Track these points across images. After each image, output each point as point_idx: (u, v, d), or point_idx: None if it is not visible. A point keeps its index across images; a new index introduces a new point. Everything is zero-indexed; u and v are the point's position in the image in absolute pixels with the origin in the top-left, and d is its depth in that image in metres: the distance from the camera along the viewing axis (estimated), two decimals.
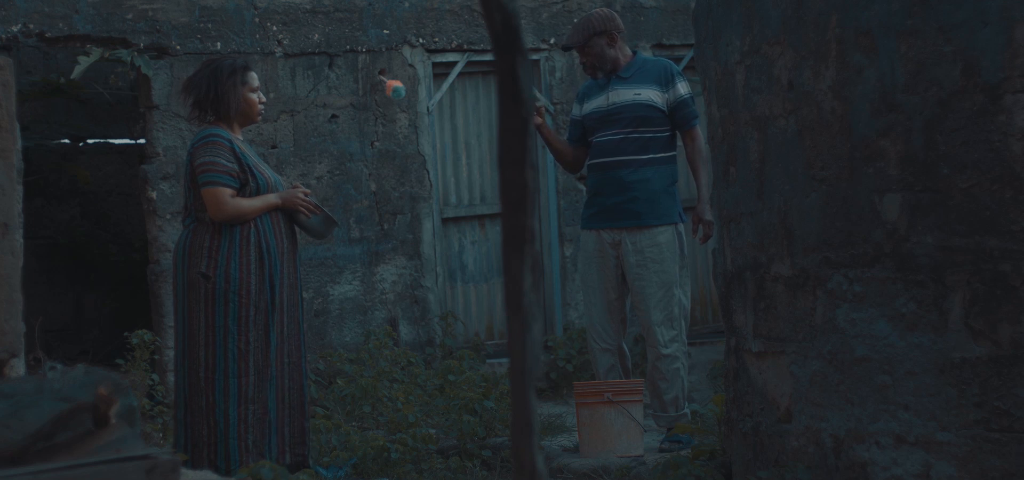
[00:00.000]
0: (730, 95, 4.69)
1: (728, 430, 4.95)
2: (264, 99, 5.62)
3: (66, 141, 10.67)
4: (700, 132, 6.37)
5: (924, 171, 3.84)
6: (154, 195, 8.11)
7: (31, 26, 7.88)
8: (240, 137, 5.54)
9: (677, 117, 6.32)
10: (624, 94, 6.30)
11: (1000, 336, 3.71)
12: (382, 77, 8.66)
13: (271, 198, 5.46)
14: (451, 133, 9.13)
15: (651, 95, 6.28)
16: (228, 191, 5.36)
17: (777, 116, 4.33)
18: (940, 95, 3.80)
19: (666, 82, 6.32)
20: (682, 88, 6.33)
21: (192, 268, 5.35)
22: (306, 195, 5.54)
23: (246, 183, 5.40)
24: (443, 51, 8.94)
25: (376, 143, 8.68)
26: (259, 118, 5.67)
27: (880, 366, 3.96)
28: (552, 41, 9.10)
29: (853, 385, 4.04)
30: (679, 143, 6.45)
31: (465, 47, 8.96)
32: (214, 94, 5.50)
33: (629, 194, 6.24)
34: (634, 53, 6.46)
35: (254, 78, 5.62)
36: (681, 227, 6.37)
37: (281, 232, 5.49)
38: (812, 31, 4.13)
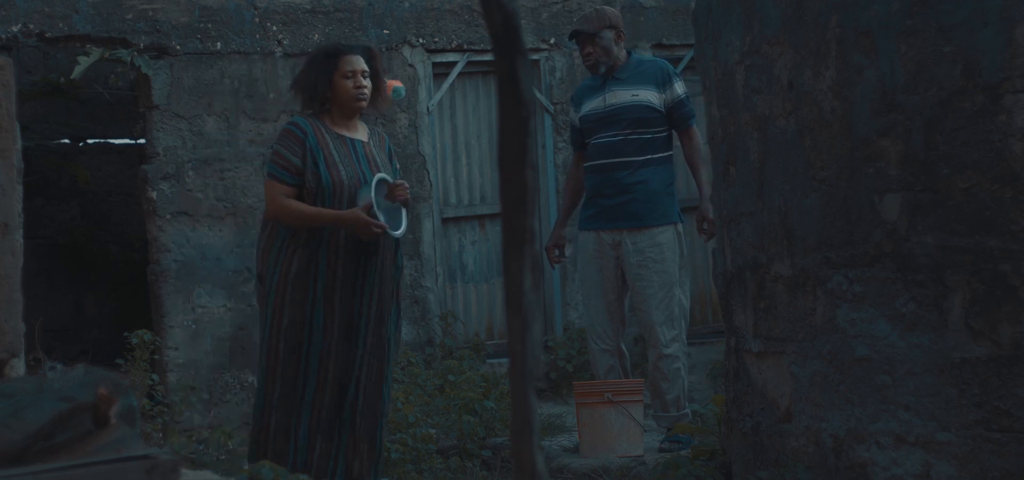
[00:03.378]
0: (730, 95, 4.69)
1: (728, 430, 4.95)
2: (364, 83, 5.12)
3: (66, 141, 10.67)
4: (697, 131, 6.38)
5: (924, 171, 3.84)
6: (154, 195, 8.11)
7: (31, 26, 7.88)
8: (340, 130, 5.11)
9: (675, 117, 6.33)
10: (621, 95, 6.30)
11: (1000, 336, 3.71)
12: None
13: (338, 215, 4.97)
14: (451, 133, 9.13)
15: (649, 96, 6.28)
16: (282, 187, 5.00)
17: (777, 116, 4.33)
18: (940, 95, 3.80)
19: (663, 83, 6.32)
20: (679, 88, 6.34)
21: (257, 264, 5.14)
22: (374, 229, 4.97)
23: (306, 179, 5.01)
24: (443, 51, 8.94)
25: None
26: (359, 104, 5.14)
27: (880, 366, 3.96)
28: (552, 41, 9.10)
29: (853, 385, 4.04)
30: (675, 143, 6.45)
31: (465, 47, 8.96)
32: (306, 83, 5.14)
33: (629, 195, 6.24)
34: (629, 54, 6.46)
35: (351, 62, 5.13)
36: (680, 227, 6.37)
37: (341, 246, 5.04)
38: (812, 31, 4.13)
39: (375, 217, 4.94)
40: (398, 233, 5.08)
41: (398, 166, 5.34)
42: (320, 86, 5.09)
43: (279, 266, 4.99)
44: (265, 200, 5.07)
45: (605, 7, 6.60)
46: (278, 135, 5.12)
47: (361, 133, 5.21)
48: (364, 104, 5.14)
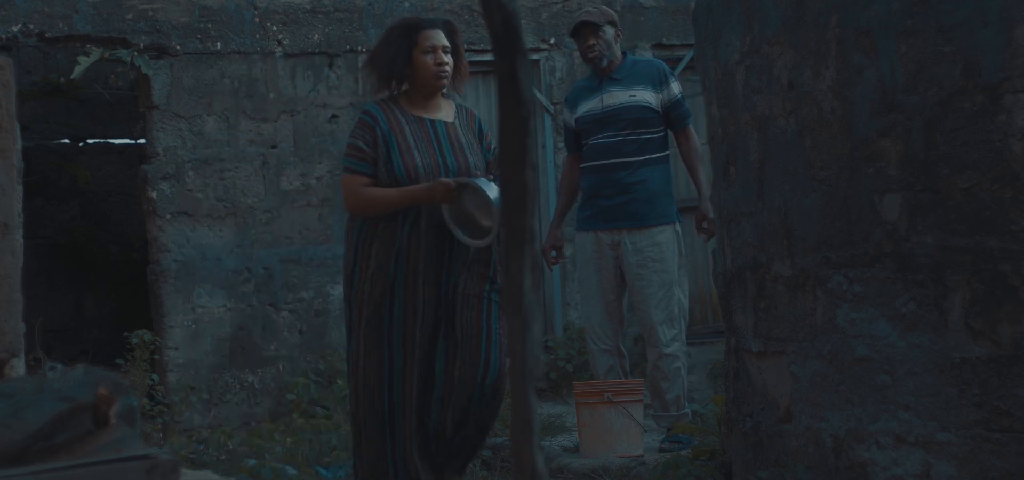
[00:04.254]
0: (730, 95, 4.69)
1: (728, 430, 4.95)
2: (445, 59, 4.70)
3: (66, 141, 10.67)
4: (694, 131, 6.39)
5: (924, 171, 3.84)
6: (154, 195, 8.11)
7: (31, 26, 7.88)
8: (418, 111, 4.74)
9: (672, 117, 6.33)
10: (618, 96, 6.29)
11: (1000, 336, 3.71)
12: None
13: (414, 190, 4.61)
14: None
15: (646, 96, 6.28)
16: (360, 179, 4.64)
17: (777, 116, 4.33)
18: (940, 95, 3.80)
19: (660, 83, 6.32)
20: (676, 88, 6.35)
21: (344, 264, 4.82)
22: (451, 186, 4.58)
23: (379, 170, 4.65)
24: None
25: None
26: (441, 82, 4.71)
27: (880, 366, 3.96)
28: (552, 41, 9.10)
29: (853, 385, 4.05)
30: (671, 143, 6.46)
31: (465, 47, 8.96)
32: (382, 61, 4.71)
33: (628, 195, 6.24)
34: (625, 55, 6.46)
35: (431, 36, 4.71)
36: (678, 227, 6.37)
37: (423, 233, 4.67)
38: (812, 31, 4.13)
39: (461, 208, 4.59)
40: (481, 242, 4.64)
41: (492, 144, 4.87)
42: (397, 64, 4.67)
43: (358, 262, 4.66)
44: (344, 196, 4.74)
45: (601, 5, 6.62)
46: (353, 127, 4.78)
47: (445, 113, 4.78)
48: (445, 82, 4.71)
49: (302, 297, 8.39)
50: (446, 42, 4.75)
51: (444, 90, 4.88)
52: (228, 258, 8.23)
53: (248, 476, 5.78)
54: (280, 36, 8.44)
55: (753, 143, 4.52)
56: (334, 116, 8.58)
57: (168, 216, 8.12)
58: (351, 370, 4.68)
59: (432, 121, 4.74)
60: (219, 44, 8.29)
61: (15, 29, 7.84)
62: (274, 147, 8.42)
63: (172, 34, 8.16)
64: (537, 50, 9.01)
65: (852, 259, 4.02)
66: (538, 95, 9.07)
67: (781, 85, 4.30)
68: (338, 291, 8.49)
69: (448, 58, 4.74)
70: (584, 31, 6.35)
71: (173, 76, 8.17)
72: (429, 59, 4.69)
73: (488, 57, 8.89)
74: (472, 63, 9.00)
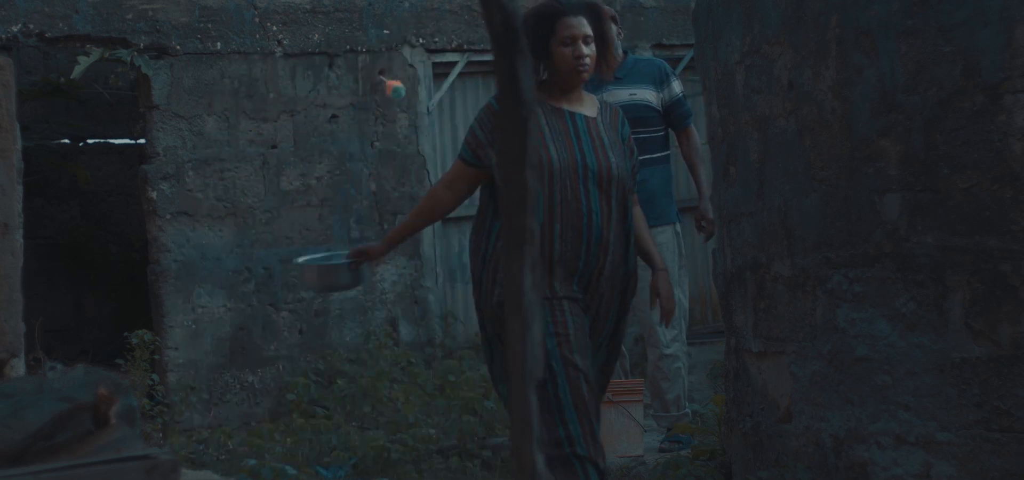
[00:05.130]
0: (730, 95, 4.69)
1: (728, 430, 4.95)
2: (585, 51, 4.22)
3: (66, 141, 10.67)
4: (695, 130, 6.37)
5: (924, 171, 3.84)
6: (154, 195, 8.11)
7: (31, 26, 7.88)
8: (558, 102, 4.27)
9: (673, 116, 6.32)
10: (619, 95, 6.28)
11: (1000, 336, 3.71)
12: (382, 77, 8.66)
13: (403, 229, 4.55)
14: (451, 133, 9.13)
15: (647, 95, 6.27)
16: (458, 166, 4.31)
17: (777, 116, 4.33)
18: (940, 95, 3.80)
19: (661, 81, 6.31)
20: (676, 87, 6.33)
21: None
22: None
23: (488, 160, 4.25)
24: (443, 51, 8.94)
25: (376, 143, 8.68)
26: (581, 75, 4.24)
27: (880, 366, 3.96)
28: None
29: (853, 385, 4.04)
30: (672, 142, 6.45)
31: (465, 47, 8.96)
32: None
33: None
34: (626, 53, 6.44)
35: (570, 25, 4.24)
36: (678, 227, 6.37)
37: (560, 248, 4.19)
38: (812, 31, 4.13)
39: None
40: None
41: (635, 151, 4.42)
42: (533, 54, 4.15)
43: (486, 269, 4.22)
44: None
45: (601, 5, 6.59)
46: (479, 111, 4.37)
47: (587, 106, 4.33)
48: (586, 75, 4.25)
49: (302, 297, 8.40)
50: (588, 30, 4.26)
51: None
52: (228, 258, 8.23)
53: (248, 476, 5.78)
54: (280, 36, 8.44)
55: (753, 143, 4.52)
56: (334, 116, 8.58)
57: (168, 216, 8.12)
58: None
59: (572, 114, 4.27)
60: (219, 44, 8.29)
61: (15, 29, 7.84)
62: (274, 147, 8.42)
63: (172, 34, 8.16)
64: None
65: (852, 259, 4.02)
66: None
67: (781, 85, 4.30)
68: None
69: (589, 48, 4.24)
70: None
71: (173, 76, 8.17)
72: (568, 51, 4.21)
73: (488, 57, 8.89)
74: (472, 63, 9.05)
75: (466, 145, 4.28)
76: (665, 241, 6.27)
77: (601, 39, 4.31)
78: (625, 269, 4.28)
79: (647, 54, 8.73)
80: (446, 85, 9.00)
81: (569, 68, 4.22)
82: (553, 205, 4.14)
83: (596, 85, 6.37)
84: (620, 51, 6.40)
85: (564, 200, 4.14)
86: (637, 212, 4.41)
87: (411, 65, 8.80)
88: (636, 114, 6.27)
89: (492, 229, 4.22)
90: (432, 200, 4.41)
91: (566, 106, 4.28)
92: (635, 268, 4.33)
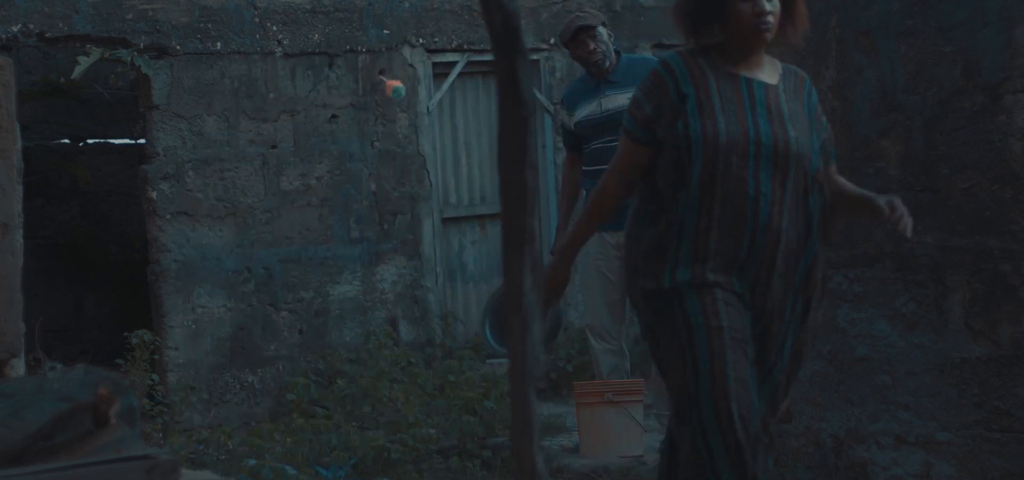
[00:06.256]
0: None
1: None
2: (767, 8, 3.58)
3: (66, 141, 10.67)
4: None
5: (924, 171, 3.83)
6: (154, 195, 8.11)
7: (31, 26, 7.88)
8: (735, 68, 3.65)
9: None
10: (617, 99, 6.27)
11: (1000, 336, 3.70)
12: (382, 77, 8.66)
13: (577, 230, 3.88)
14: (451, 133, 9.13)
15: None
16: (628, 144, 3.75)
17: None
18: (940, 95, 3.80)
19: None
20: None
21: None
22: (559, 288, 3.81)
23: (661, 133, 3.65)
24: (443, 51, 8.94)
25: (376, 143, 8.68)
26: (762, 35, 3.60)
27: (880, 366, 3.96)
28: (552, 41, 9.10)
29: (853, 385, 4.04)
30: None
31: (465, 47, 8.96)
32: (688, 8, 3.68)
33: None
34: (618, 54, 6.42)
35: None
36: None
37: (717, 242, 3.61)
38: (812, 31, 4.13)
39: None
40: None
41: (825, 121, 3.72)
42: (704, 13, 3.65)
43: (639, 256, 3.72)
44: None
45: (584, 7, 6.59)
46: (644, 79, 3.81)
47: (767, 72, 3.70)
48: (769, 35, 3.63)
49: (302, 297, 8.39)
50: None
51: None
52: (228, 258, 8.23)
53: (248, 476, 5.78)
54: (280, 36, 8.44)
55: None
56: (334, 116, 8.57)
57: (168, 216, 8.12)
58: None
59: (748, 80, 3.65)
60: (219, 44, 8.28)
61: (15, 29, 7.84)
62: (274, 147, 8.42)
63: (172, 34, 8.16)
64: (537, 50, 9.01)
65: (852, 259, 4.02)
66: (538, 95, 9.07)
67: None
68: (338, 291, 8.49)
69: (772, 4, 3.63)
70: (582, 35, 6.28)
71: (173, 76, 8.17)
72: (747, 7, 3.59)
73: (488, 57, 8.89)
74: (472, 63, 9.05)
75: (633, 120, 3.72)
76: None
77: None
78: (805, 264, 3.60)
79: (647, 54, 8.73)
80: (446, 85, 9.00)
81: (748, 27, 3.58)
82: (712, 185, 3.56)
83: (593, 89, 6.36)
84: (614, 52, 6.38)
85: (726, 180, 3.56)
86: (840, 180, 3.72)
87: (411, 65, 8.80)
88: None
89: (646, 214, 3.73)
90: (602, 193, 3.82)
91: (743, 72, 3.65)
92: (821, 262, 3.61)
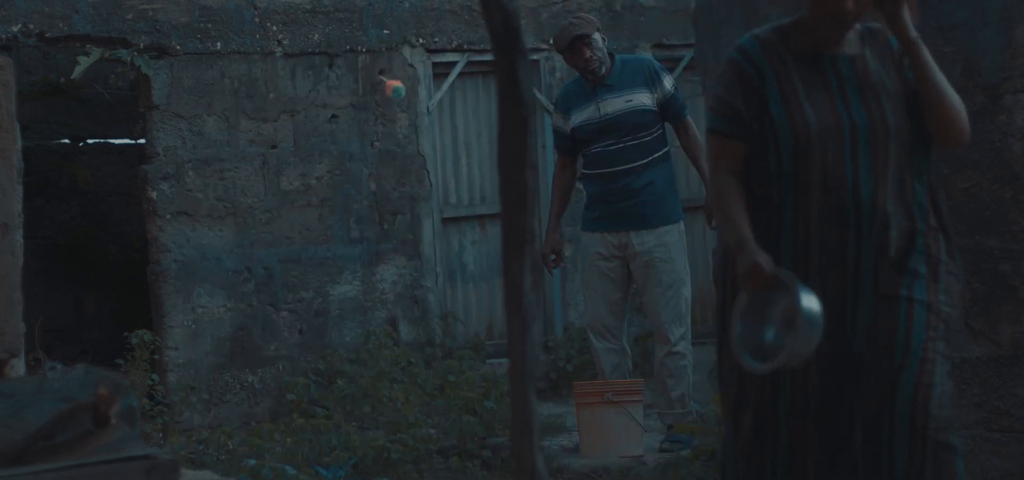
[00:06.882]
0: None
1: None
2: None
3: (66, 141, 10.67)
4: (692, 122, 6.38)
5: None
6: (154, 195, 8.11)
7: (31, 26, 7.88)
8: (816, 47, 3.30)
9: (669, 112, 6.32)
10: (615, 102, 6.26)
11: (1000, 336, 3.71)
12: (382, 77, 8.66)
13: (742, 234, 3.25)
14: (451, 133, 9.13)
15: (642, 98, 6.26)
16: (721, 142, 3.36)
17: None
18: None
19: (652, 81, 6.30)
20: (668, 83, 6.33)
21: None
22: (765, 274, 3.20)
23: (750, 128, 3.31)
24: (443, 51, 8.93)
25: (376, 143, 8.68)
26: (848, 10, 3.22)
27: None
28: (552, 41, 9.10)
29: None
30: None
31: (465, 47, 8.96)
32: None
33: (636, 199, 6.22)
34: (612, 56, 6.42)
35: None
36: (682, 225, 6.39)
37: (813, 241, 3.28)
38: None
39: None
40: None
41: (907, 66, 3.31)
42: None
43: (728, 266, 3.36)
44: (708, 159, 3.53)
45: (580, 14, 6.58)
46: (722, 69, 3.46)
47: (850, 44, 3.32)
48: (851, 8, 3.22)
49: (302, 297, 8.40)
50: None
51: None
52: (228, 258, 8.23)
53: (248, 476, 5.78)
54: (280, 36, 8.44)
55: None
56: (334, 116, 8.58)
57: (168, 216, 8.12)
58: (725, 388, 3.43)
59: (832, 58, 3.30)
60: (219, 44, 8.29)
61: (15, 29, 7.84)
62: (274, 147, 8.42)
63: (172, 34, 8.16)
64: (537, 50, 9.01)
65: None
66: (538, 95, 9.07)
67: None
68: (338, 291, 8.49)
69: None
70: (578, 45, 6.26)
71: (173, 76, 8.17)
72: None
73: (488, 57, 8.89)
74: (472, 63, 9.05)
75: (717, 116, 3.40)
76: (673, 240, 6.28)
77: None
78: (920, 246, 3.25)
79: (647, 54, 8.73)
80: (446, 85, 9.00)
81: (832, 2, 3.23)
82: (809, 180, 3.23)
83: (589, 92, 6.35)
84: (607, 57, 6.36)
85: (824, 172, 3.22)
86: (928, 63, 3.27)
87: (411, 65, 8.80)
88: (635, 120, 6.26)
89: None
90: (720, 194, 3.37)
91: (826, 50, 3.31)
92: (938, 240, 3.27)
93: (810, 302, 3.10)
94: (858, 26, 3.30)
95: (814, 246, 3.23)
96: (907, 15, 3.21)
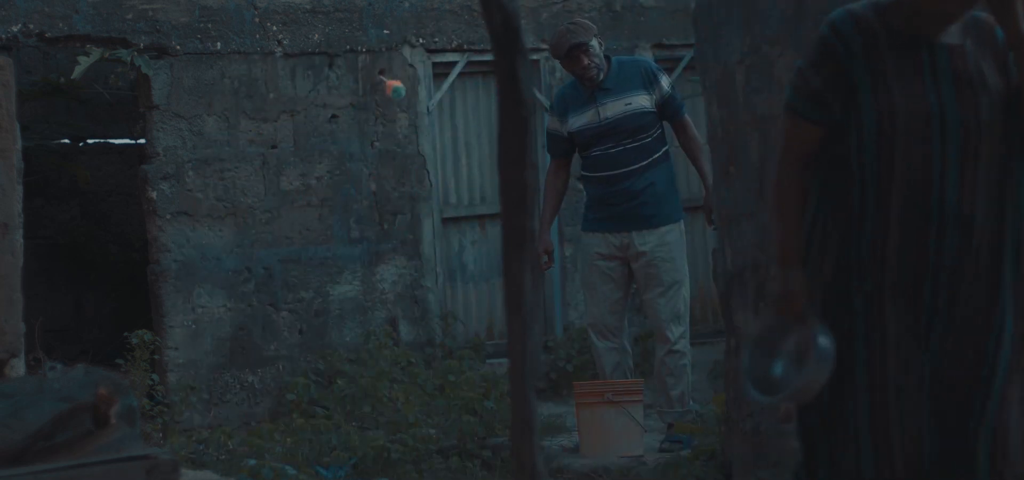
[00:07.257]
0: (730, 95, 4.69)
1: (728, 430, 4.96)
2: None
3: (66, 141, 10.67)
4: (690, 120, 6.39)
5: None
6: (154, 195, 8.11)
7: (31, 26, 7.88)
8: (915, 32, 3.07)
9: (667, 112, 6.33)
10: (614, 106, 6.27)
11: None
12: (382, 77, 8.66)
13: (788, 249, 3.12)
14: (451, 133, 9.13)
15: (641, 101, 6.27)
16: (800, 124, 3.14)
17: (777, 116, 4.33)
18: None
19: (650, 83, 6.30)
20: (665, 83, 6.34)
21: None
22: (798, 305, 3.11)
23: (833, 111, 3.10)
24: (443, 51, 8.93)
25: (376, 143, 8.68)
26: (953, 11, 3.04)
27: None
28: (549, 47, 9.10)
29: None
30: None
31: (465, 47, 8.96)
32: None
33: (638, 200, 6.23)
34: (608, 59, 6.41)
35: None
36: (682, 224, 6.40)
37: (892, 244, 3.06)
38: (812, 30, 4.12)
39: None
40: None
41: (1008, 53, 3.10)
42: None
43: (810, 262, 3.13)
44: (784, 143, 3.23)
45: (575, 20, 6.59)
46: (811, 46, 3.22)
47: (951, 33, 3.09)
48: (957, 9, 3.03)
49: (302, 297, 8.40)
50: None
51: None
52: (228, 258, 8.23)
53: (248, 476, 5.79)
54: (280, 36, 8.44)
55: (753, 143, 4.52)
56: (334, 116, 8.58)
57: (168, 216, 8.12)
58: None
59: (930, 45, 3.07)
60: (219, 44, 8.29)
61: (15, 29, 7.84)
62: (274, 147, 8.42)
63: (172, 34, 8.16)
64: (537, 50, 9.01)
65: None
66: (538, 95, 9.07)
67: (781, 85, 4.30)
68: (338, 291, 8.49)
69: None
70: (576, 52, 6.24)
71: (173, 76, 8.17)
72: None
73: (488, 57, 8.89)
74: (472, 63, 9.04)
75: (797, 94, 3.14)
76: (674, 240, 6.29)
77: None
78: (1003, 262, 3.03)
79: (647, 54, 8.74)
80: (446, 85, 9.00)
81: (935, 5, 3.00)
82: (891, 172, 3.01)
83: (587, 96, 6.35)
84: (604, 61, 6.36)
85: (907, 165, 3.00)
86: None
87: (411, 65, 8.80)
88: (635, 123, 6.26)
89: (816, 209, 3.15)
90: (780, 190, 3.20)
91: (924, 34, 3.08)
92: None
93: (825, 342, 2.99)
94: (965, 18, 3.08)
95: (891, 251, 3.01)
96: (1019, 8, 2.98)
